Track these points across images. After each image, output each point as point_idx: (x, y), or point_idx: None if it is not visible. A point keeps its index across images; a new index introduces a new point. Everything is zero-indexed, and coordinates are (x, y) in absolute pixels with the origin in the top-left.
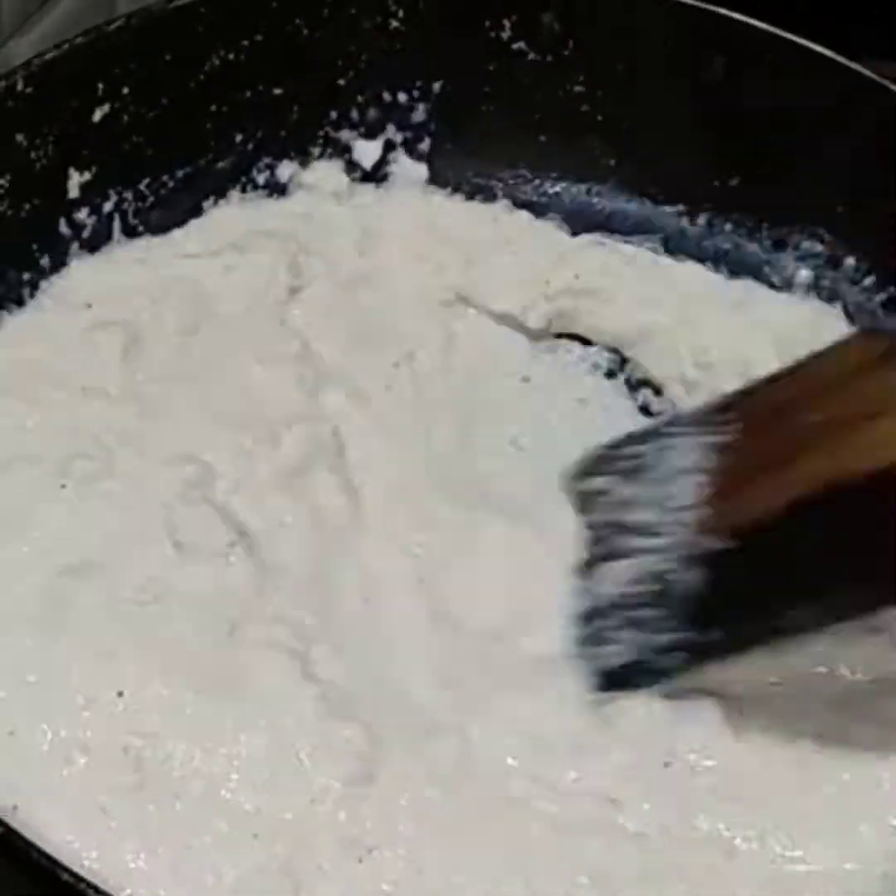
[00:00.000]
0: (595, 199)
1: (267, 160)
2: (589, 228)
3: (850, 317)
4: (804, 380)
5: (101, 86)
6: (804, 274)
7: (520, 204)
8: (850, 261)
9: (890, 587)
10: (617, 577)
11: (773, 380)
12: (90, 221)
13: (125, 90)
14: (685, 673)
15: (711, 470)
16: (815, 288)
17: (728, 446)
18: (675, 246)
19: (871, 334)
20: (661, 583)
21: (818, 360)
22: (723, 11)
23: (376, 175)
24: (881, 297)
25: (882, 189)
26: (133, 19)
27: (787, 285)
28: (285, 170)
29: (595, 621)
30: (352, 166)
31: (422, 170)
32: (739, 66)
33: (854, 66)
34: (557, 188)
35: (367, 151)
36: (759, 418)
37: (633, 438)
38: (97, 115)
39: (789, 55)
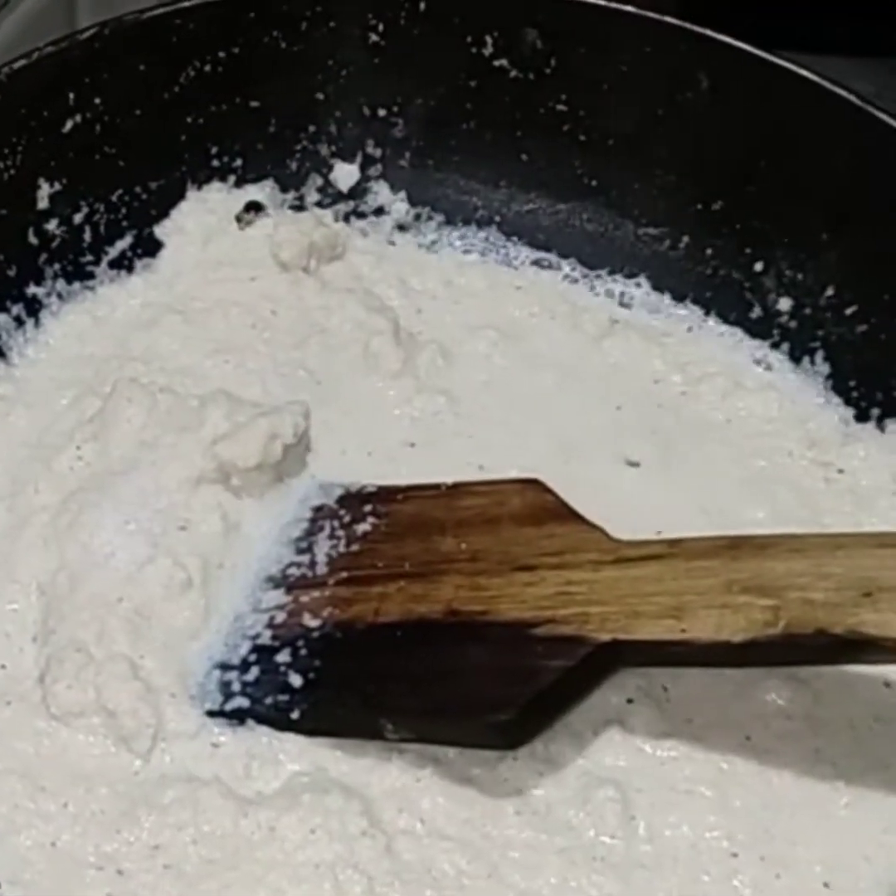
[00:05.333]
0: (575, 220)
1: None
2: (566, 250)
3: (829, 348)
4: (459, 506)
5: (72, 95)
6: (785, 302)
7: (499, 222)
8: (830, 290)
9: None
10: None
11: (424, 490)
12: (59, 232)
13: (97, 100)
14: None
15: (342, 556)
16: (794, 316)
17: (365, 538)
18: (656, 272)
19: (532, 483)
20: (257, 651)
21: (477, 491)
22: (707, 32)
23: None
24: (862, 328)
25: (865, 217)
26: (106, 28)
27: (767, 313)
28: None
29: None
30: (328, 187)
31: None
32: (724, 86)
33: (838, 90)
34: (537, 207)
35: (345, 173)
36: (404, 524)
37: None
38: (68, 126)
39: (772, 76)
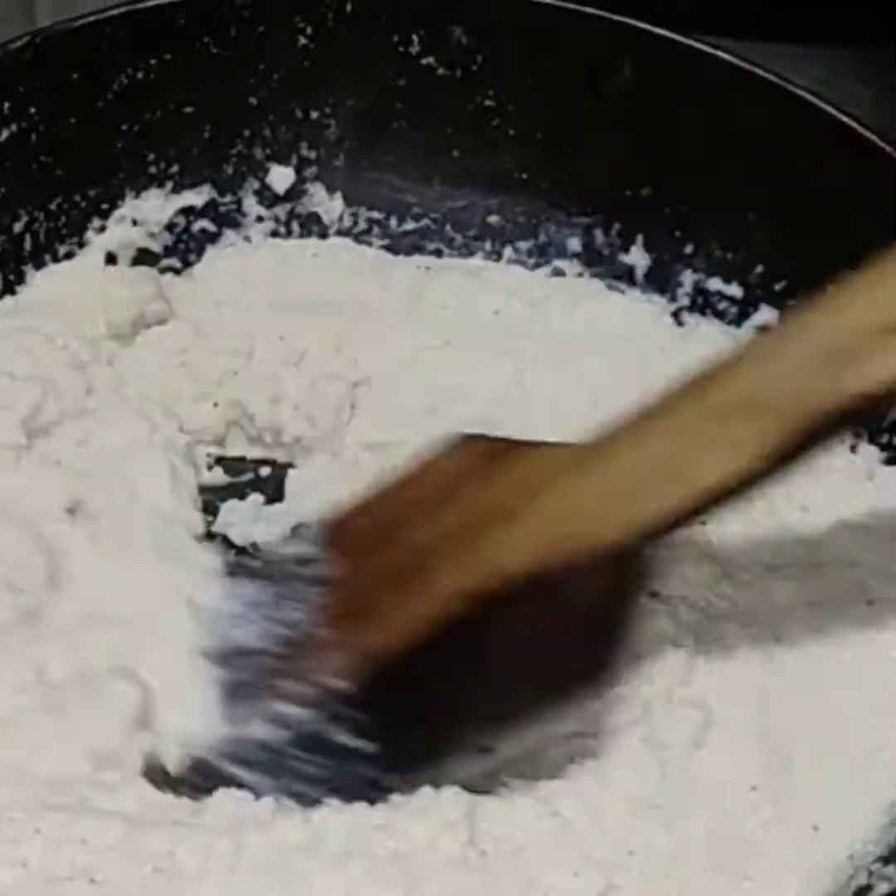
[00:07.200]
0: (509, 214)
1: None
2: (500, 243)
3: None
4: (402, 499)
5: (7, 105)
6: (715, 282)
7: (434, 218)
8: (759, 269)
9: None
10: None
11: (363, 507)
12: None
13: (32, 109)
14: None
15: (326, 609)
16: (724, 296)
17: (339, 582)
18: (590, 260)
19: (468, 440)
20: (296, 730)
21: (412, 477)
22: (627, 20)
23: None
24: (791, 303)
25: (791, 197)
26: (37, 38)
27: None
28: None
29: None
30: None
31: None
32: (647, 73)
33: (756, 70)
34: (470, 202)
35: (281, 176)
36: (363, 547)
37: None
38: (3, 135)
39: (692, 61)
